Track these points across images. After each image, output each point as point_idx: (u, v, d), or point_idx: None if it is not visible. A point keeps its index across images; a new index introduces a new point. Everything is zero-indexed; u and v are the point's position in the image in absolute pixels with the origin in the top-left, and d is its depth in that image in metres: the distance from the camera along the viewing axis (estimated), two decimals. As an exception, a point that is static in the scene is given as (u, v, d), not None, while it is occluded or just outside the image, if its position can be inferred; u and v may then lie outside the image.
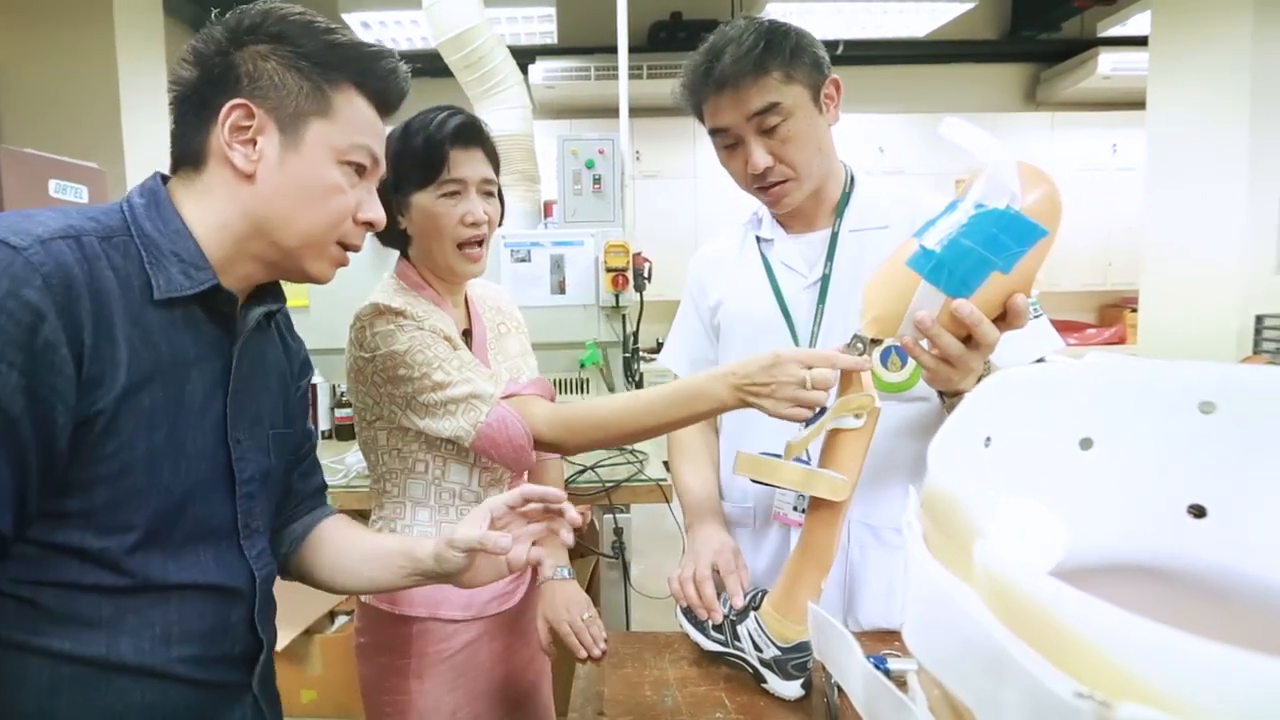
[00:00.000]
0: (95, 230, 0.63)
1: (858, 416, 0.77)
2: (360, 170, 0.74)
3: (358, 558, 0.85)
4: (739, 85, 0.92)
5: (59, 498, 0.60)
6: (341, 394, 2.19)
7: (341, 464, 1.78)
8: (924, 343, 0.74)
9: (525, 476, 1.19)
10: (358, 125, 0.72)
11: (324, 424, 2.20)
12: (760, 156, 0.94)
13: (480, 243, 1.03)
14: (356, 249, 0.76)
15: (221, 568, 0.71)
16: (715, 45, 0.94)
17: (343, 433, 2.18)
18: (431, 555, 0.79)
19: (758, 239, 1.09)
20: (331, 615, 1.94)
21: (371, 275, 1.12)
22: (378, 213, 0.76)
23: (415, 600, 1.05)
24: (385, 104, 0.76)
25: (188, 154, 0.70)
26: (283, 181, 0.69)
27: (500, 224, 1.13)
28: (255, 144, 0.68)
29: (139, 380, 0.63)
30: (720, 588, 0.93)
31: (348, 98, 0.72)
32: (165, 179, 0.72)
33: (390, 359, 0.97)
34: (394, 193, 1.01)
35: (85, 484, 0.61)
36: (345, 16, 3.74)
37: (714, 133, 0.99)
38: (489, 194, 1.04)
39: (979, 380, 0.80)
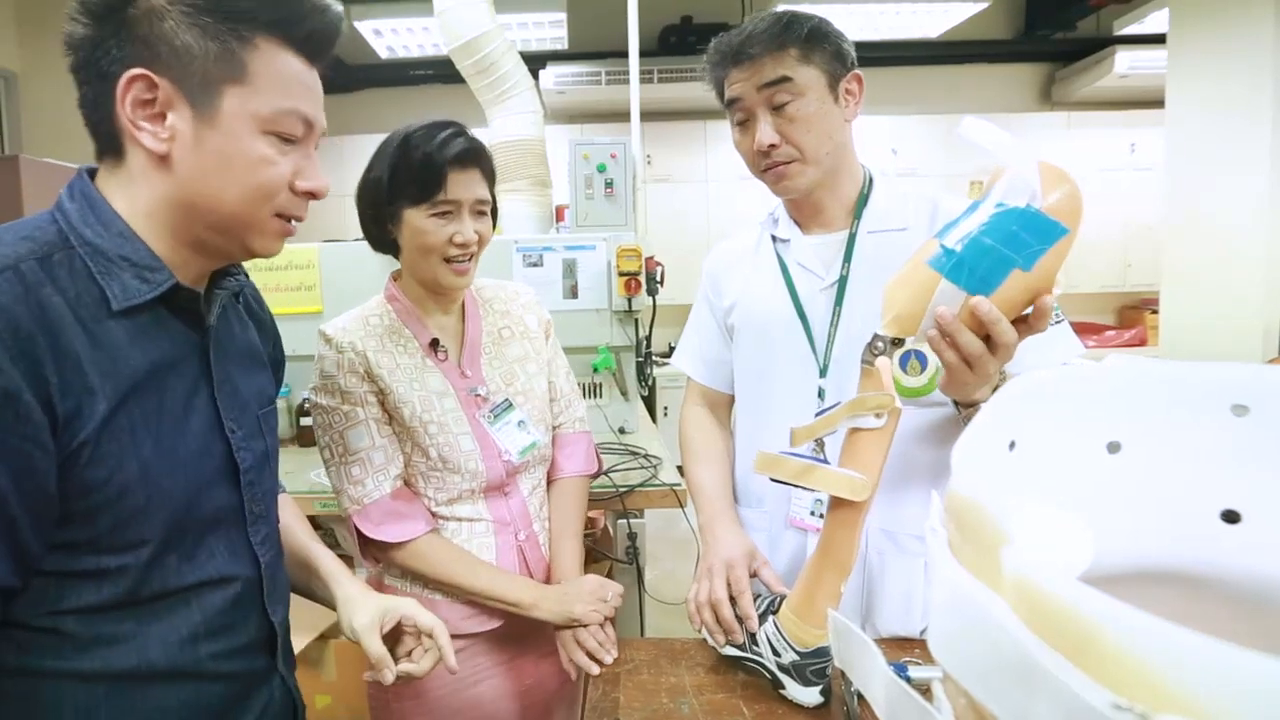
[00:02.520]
0: (32, 252, 0.58)
1: (878, 416, 0.76)
2: (289, 139, 0.66)
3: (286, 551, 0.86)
4: (756, 58, 0.94)
5: (63, 530, 0.59)
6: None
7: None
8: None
9: (544, 483, 1.18)
10: (282, 86, 0.63)
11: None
12: (766, 132, 0.96)
13: (468, 258, 1.04)
14: (299, 219, 0.70)
15: (233, 558, 0.71)
16: (744, 27, 0.97)
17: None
18: (344, 619, 0.85)
19: (774, 239, 1.08)
20: (346, 620, 1.95)
21: (384, 279, 1.12)
22: (318, 181, 0.68)
23: None
24: (313, 52, 0.66)
25: (101, 138, 0.63)
26: (202, 161, 0.61)
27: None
28: (164, 119, 0.60)
29: (117, 401, 0.60)
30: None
31: (266, 54, 0.62)
32: (94, 173, 0.66)
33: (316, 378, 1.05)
34: (387, 204, 1.01)
35: (86, 513, 0.59)
36: (357, 24, 3.77)
37: (729, 106, 1.00)
38: (481, 213, 1.04)
39: (994, 391, 0.79)
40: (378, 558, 1.08)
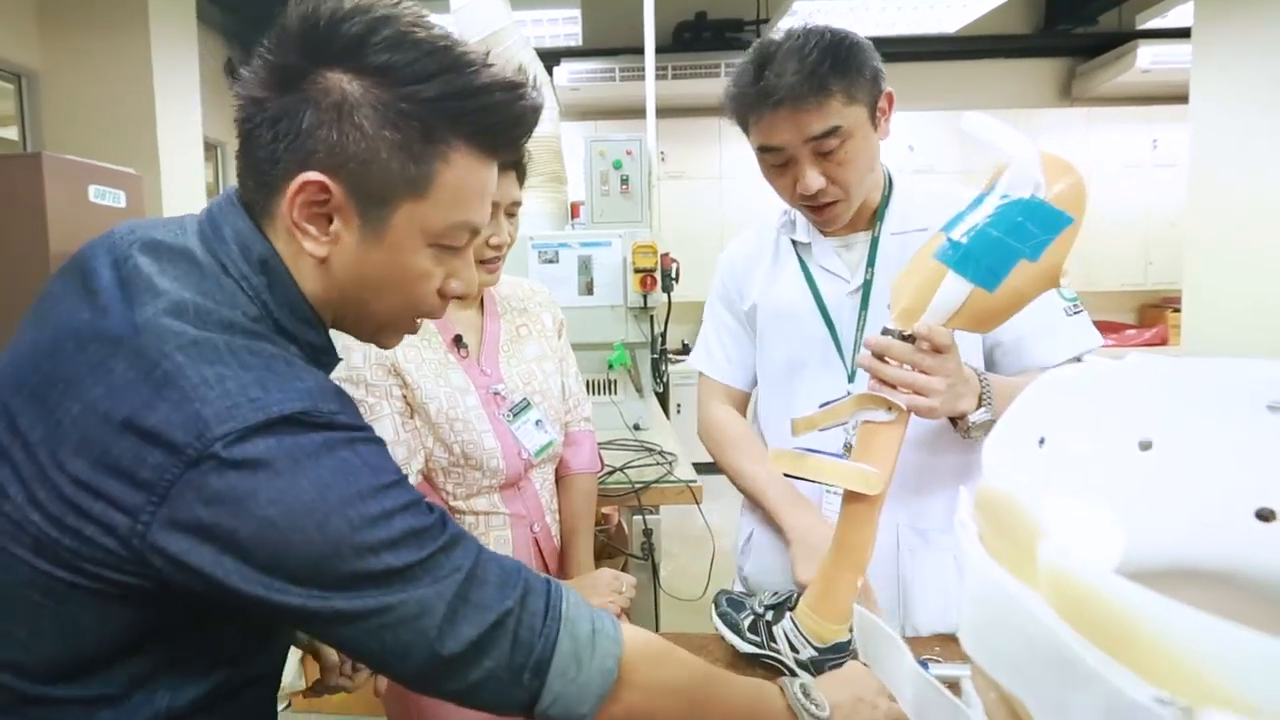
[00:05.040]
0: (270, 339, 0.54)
1: (890, 410, 0.76)
2: (453, 248, 0.60)
3: None
4: (799, 106, 0.85)
5: None
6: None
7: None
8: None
9: (553, 476, 1.18)
10: (460, 198, 0.57)
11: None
12: (813, 179, 0.90)
13: (500, 258, 1.05)
14: (436, 318, 0.66)
15: None
16: (769, 54, 0.87)
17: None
18: None
19: (793, 242, 1.07)
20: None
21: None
22: (468, 286, 0.63)
23: None
24: (504, 153, 0.60)
25: (254, 202, 0.57)
26: (358, 270, 0.57)
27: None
28: (330, 222, 0.55)
29: None
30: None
31: (456, 166, 0.55)
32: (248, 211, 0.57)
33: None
34: None
35: None
36: (375, 22, 3.79)
37: (763, 150, 0.93)
38: (512, 214, 1.05)
39: (980, 400, 0.81)
40: None
